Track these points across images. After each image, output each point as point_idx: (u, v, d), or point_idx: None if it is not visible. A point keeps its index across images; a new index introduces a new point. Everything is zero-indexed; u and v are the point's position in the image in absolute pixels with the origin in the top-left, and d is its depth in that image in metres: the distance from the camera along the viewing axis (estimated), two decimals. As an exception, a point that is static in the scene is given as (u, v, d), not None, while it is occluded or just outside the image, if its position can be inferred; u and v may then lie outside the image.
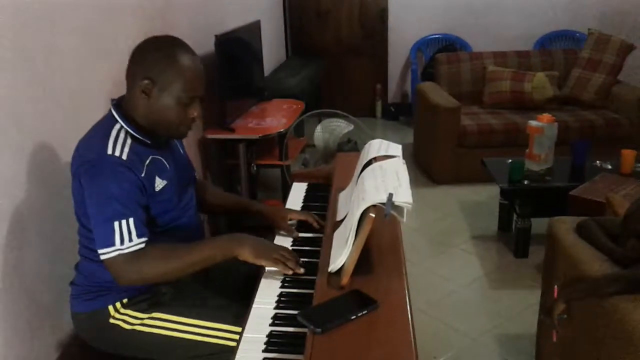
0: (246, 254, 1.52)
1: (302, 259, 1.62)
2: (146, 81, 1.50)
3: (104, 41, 2.16)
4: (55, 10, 1.84)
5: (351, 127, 3.62)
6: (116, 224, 1.44)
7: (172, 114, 1.53)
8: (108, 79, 2.16)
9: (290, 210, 1.86)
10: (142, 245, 1.47)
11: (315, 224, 1.78)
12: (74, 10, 1.95)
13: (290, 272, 1.51)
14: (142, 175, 1.51)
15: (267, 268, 1.56)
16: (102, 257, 1.46)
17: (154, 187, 1.55)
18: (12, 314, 1.64)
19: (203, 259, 1.52)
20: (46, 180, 1.78)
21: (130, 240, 1.45)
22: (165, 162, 1.61)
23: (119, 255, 1.45)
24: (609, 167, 3.30)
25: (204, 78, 1.58)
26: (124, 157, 1.48)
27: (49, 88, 1.82)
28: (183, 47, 1.55)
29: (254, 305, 1.43)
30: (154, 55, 1.51)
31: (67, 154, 1.82)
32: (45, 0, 1.78)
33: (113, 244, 1.44)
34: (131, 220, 1.45)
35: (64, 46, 1.90)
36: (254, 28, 3.75)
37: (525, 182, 3.21)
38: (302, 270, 1.51)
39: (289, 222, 1.80)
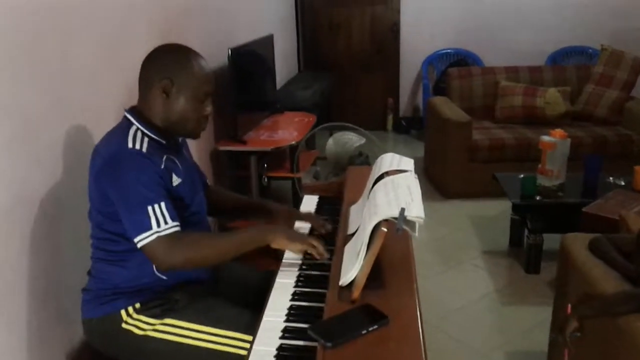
0: (279, 240, 1.59)
1: (312, 272, 1.63)
2: (166, 80, 1.57)
3: (118, 53, 2.19)
4: (71, 22, 1.87)
5: (363, 140, 3.62)
6: (149, 208, 1.47)
7: (190, 111, 1.61)
8: (122, 89, 2.19)
9: (297, 214, 1.92)
10: (178, 229, 1.50)
11: (322, 230, 1.80)
12: (89, 22, 1.98)
13: (319, 258, 1.59)
14: (162, 167, 1.56)
15: (281, 268, 1.64)
16: (141, 244, 1.48)
17: (171, 182, 1.59)
18: (22, 320, 1.65)
19: (236, 245, 1.59)
20: (58, 188, 1.79)
21: (166, 222, 1.48)
22: (179, 164, 1.65)
23: (158, 237, 1.47)
24: (622, 183, 3.27)
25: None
26: (144, 150, 1.53)
27: (64, 98, 1.84)
28: (192, 50, 1.66)
29: (264, 318, 1.43)
30: (170, 57, 1.62)
31: (79, 163, 1.84)
32: (61, 12, 1.81)
33: (150, 227, 1.46)
34: (162, 204, 1.49)
35: (79, 57, 1.92)
36: (267, 42, 3.78)
37: (538, 197, 3.19)
38: (327, 256, 1.60)
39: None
